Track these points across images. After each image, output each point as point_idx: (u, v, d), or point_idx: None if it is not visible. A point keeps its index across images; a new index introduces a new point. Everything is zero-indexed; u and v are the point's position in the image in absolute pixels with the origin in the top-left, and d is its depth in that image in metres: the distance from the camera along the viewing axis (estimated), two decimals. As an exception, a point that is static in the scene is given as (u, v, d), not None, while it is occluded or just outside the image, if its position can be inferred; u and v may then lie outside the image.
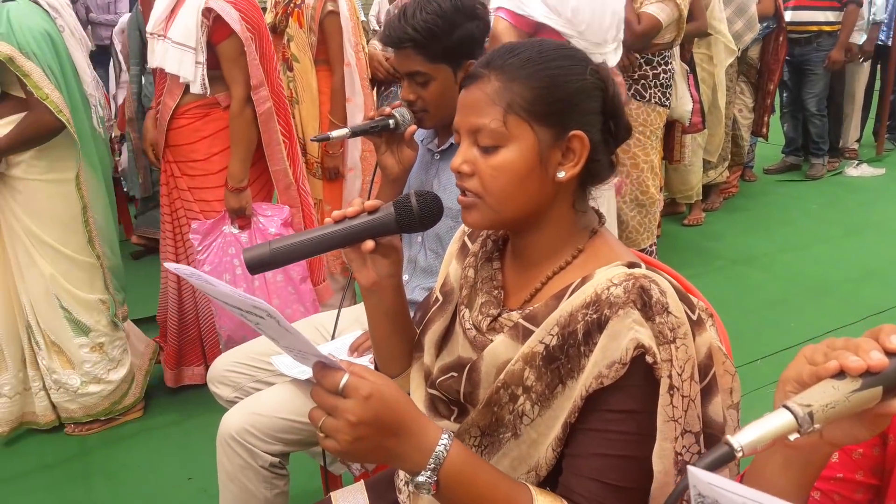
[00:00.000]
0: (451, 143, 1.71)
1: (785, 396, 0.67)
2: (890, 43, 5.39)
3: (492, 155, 0.94)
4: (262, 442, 1.59)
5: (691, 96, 3.70)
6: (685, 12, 3.20)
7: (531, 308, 0.96)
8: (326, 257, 2.83)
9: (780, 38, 4.82)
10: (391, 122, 1.60)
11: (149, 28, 2.48)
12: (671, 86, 3.33)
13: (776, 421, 0.62)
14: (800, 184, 5.23)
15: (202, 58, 2.33)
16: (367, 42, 3.07)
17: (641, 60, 3.12)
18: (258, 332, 2.55)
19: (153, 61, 2.46)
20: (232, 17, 2.29)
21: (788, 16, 4.90)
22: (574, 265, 0.98)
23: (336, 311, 1.91)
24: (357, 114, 2.70)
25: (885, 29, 5.40)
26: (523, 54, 0.95)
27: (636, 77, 3.21)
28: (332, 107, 2.70)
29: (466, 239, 1.15)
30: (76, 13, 6.95)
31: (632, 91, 3.23)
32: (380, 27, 10.29)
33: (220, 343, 2.57)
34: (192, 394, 2.74)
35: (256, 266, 1.01)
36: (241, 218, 2.47)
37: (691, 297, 0.92)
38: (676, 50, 3.49)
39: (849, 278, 3.64)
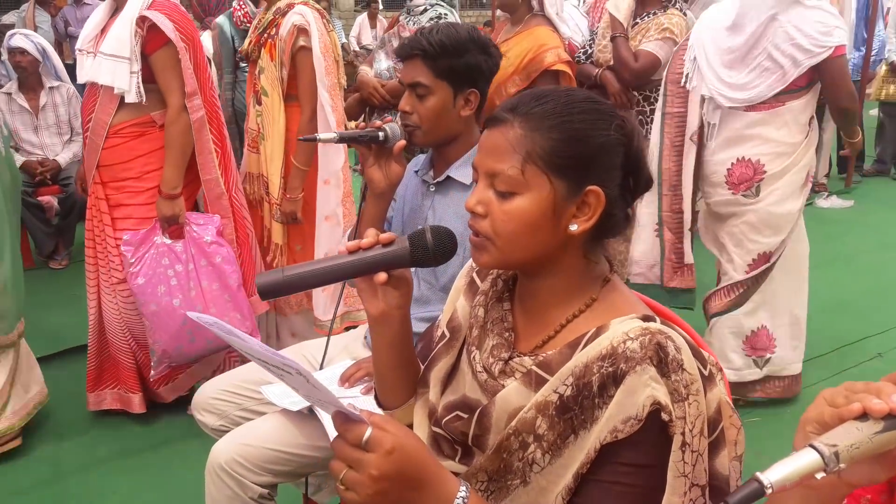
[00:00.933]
0: (448, 177, 1.73)
1: (806, 437, 0.70)
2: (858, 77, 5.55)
3: (507, 200, 0.95)
4: (251, 473, 1.57)
5: None
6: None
7: (544, 355, 0.97)
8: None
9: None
10: (381, 134, 1.61)
11: (78, 45, 2.47)
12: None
13: (804, 459, 0.65)
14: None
15: (136, 67, 2.34)
16: (354, 65, 3.07)
17: (640, 97, 3.11)
18: (193, 350, 2.52)
19: (82, 76, 2.44)
20: (167, 27, 2.32)
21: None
22: (587, 314, 0.99)
23: (325, 339, 1.93)
24: (333, 156, 2.57)
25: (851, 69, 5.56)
26: (549, 104, 0.95)
27: (635, 113, 3.18)
28: (298, 147, 2.56)
29: (475, 276, 1.15)
30: (55, 27, 6.87)
31: None
32: (360, 49, 10.39)
33: (151, 359, 2.52)
34: (167, 419, 2.71)
35: (268, 292, 1.02)
36: (174, 227, 2.46)
37: (703, 352, 0.93)
38: None
39: (821, 309, 3.70)
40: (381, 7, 11.73)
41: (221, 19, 3.98)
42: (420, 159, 1.83)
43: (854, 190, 5.80)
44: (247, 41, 2.65)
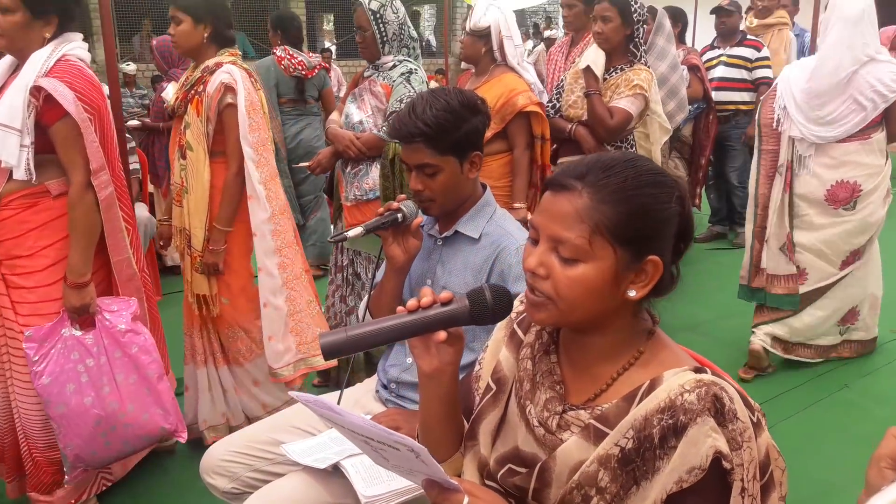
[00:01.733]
0: (457, 232, 1.78)
1: (880, 473, 0.75)
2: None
3: (570, 266, 0.99)
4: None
5: None
6: (650, 102, 3.44)
7: (601, 409, 1.01)
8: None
9: (710, 117, 5.21)
10: (399, 215, 1.68)
11: None
12: None
13: None
14: (728, 252, 5.53)
15: (28, 140, 2.10)
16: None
17: (611, 148, 3.25)
18: (109, 453, 2.30)
19: None
20: (66, 98, 2.08)
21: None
22: (637, 366, 1.04)
23: (332, 393, 1.93)
24: (258, 209, 2.56)
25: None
26: (618, 176, 0.99)
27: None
28: (223, 201, 2.57)
29: (516, 327, 1.18)
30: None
31: None
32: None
33: (64, 464, 2.28)
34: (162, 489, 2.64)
35: (332, 352, 1.05)
36: (84, 317, 2.21)
37: (750, 399, 0.99)
38: None
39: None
40: (333, 56, 11.88)
41: (268, 61, 4.66)
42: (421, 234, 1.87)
43: None
44: (173, 97, 2.66)
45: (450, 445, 1.19)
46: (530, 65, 3.90)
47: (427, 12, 16.81)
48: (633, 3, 3.14)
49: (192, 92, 2.57)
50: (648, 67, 3.26)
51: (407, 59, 2.91)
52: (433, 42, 16.23)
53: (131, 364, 2.27)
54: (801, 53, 5.86)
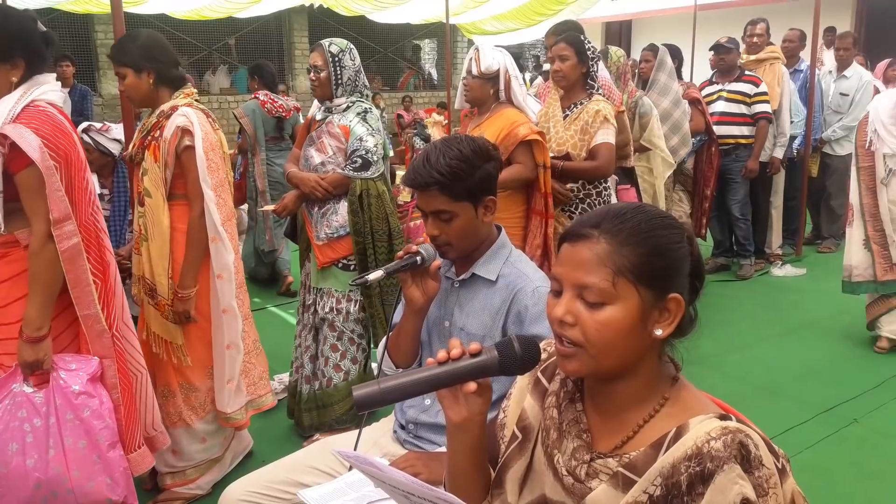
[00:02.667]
0: (474, 274, 1.80)
1: None
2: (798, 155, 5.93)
3: (598, 310, 1.02)
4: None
5: None
6: (653, 137, 3.51)
7: (629, 457, 1.03)
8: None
9: (713, 149, 5.28)
10: (418, 258, 1.70)
11: None
12: (611, 199, 3.56)
13: None
14: (732, 283, 5.56)
15: None
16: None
17: (577, 185, 3.38)
18: None
19: None
20: (31, 145, 1.98)
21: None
22: (662, 413, 1.06)
23: (349, 434, 1.94)
24: (223, 251, 2.53)
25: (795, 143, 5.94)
26: (632, 220, 1.04)
27: (582, 196, 3.41)
28: (188, 244, 2.51)
29: (540, 375, 1.20)
30: None
31: (579, 210, 3.42)
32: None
33: None
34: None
35: (365, 404, 1.06)
36: (38, 373, 2.09)
37: (774, 446, 1.01)
38: None
39: (794, 377, 3.87)
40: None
41: (252, 104, 5.33)
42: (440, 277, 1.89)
43: (805, 258, 6.10)
44: (131, 145, 2.64)
45: (477, 494, 1.20)
46: (531, 97, 3.99)
47: (427, 46, 17.00)
48: (585, 42, 3.34)
49: (149, 138, 2.52)
50: (605, 98, 3.42)
51: (360, 99, 3.01)
52: (434, 75, 16.39)
53: (82, 428, 2.10)
54: (802, 89, 5.93)
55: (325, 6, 9.87)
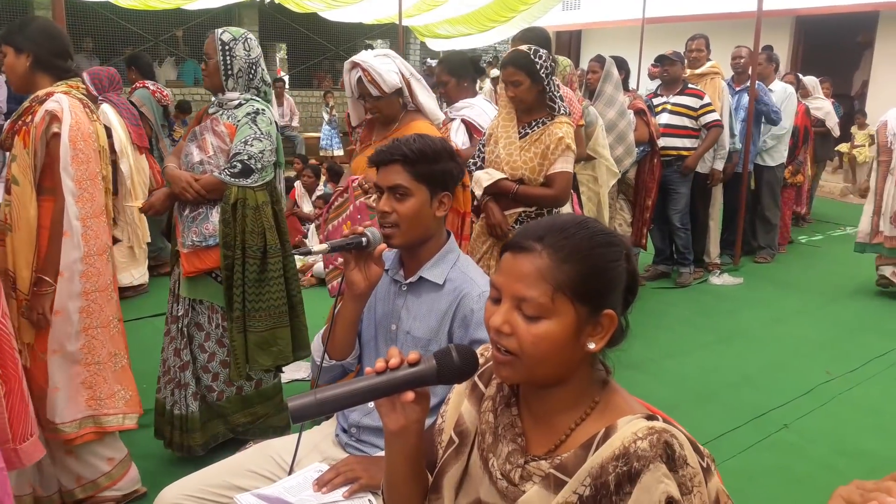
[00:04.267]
0: (421, 277, 1.80)
1: None
2: (740, 170, 6.11)
3: (534, 323, 1.04)
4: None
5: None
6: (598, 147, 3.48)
7: (560, 458, 1.05)
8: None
9: (655, 160, 5.39)
10: (364, 239, 1.70)
11: None
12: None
13: None
14: (671, 291, 5.70)
15: None
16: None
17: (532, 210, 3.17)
18: None
19: None
20: None
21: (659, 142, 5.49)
22: (593, 416, 1.09)
23: (291, 438, 1.92)
24: (70, 248, 2.37)
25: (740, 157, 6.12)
26: (575, 237, 1.06)
27: (534, 216, 3.16)
28: (50, 238, 2.35)
29: (477, 380, 1.22)
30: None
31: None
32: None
33: None
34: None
35: (301, 416, 1.05)
36: None
37: (699, 445, 1.04)
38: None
39: (728, 383, 3.99)
40: (286, 86, 11.87)
41: (145, 93, 5.51)
42: (388, 257, 1.89)
43: (742, 268, 6.30)
44: (3, 129, 2.54)
45: (415, 500, 1.20)
46: (483, 99, 3.92)
47: (380, 46, 16.96)
48: (536, 60, 3.05)
49: (20, 122, 2.41)
50: (569, 116, 3.17)
51: (254, 98, 2.76)
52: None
53: None
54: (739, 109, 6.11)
55: (277, 2, 9.75)
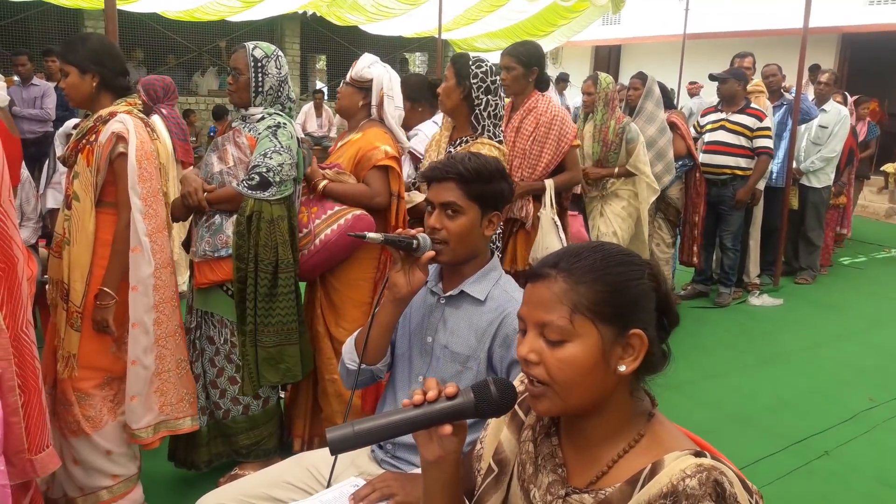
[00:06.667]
0: (462, 292, 1.81)
1: None
2: (782, 185, 6.01)
3: (559, 348, 1.04)
4: None
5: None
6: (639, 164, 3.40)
7: (605, 493, 1.03)
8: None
9: (698, 175, 5.34)
10: (414, 242, 1.72)
11: None
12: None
13: None
14: (709, 311, 5.61)
15: None
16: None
17: None
18: None
19: None
20: None
21: (705, 158, 5.42)
22: (637, 449, 1.07)
23: (326, 450, 1.93)
24: (142, 262, 2.44)
25: (773, 172, 6.02)
26: (588, 259, 1.07)
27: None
28: (113, 252, 2.43)
29: (517, 408, 1.21)
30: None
31: None
32: (305, 135, 10.54)
33: None
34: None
35: (339, 447, 1.06)
36: None
37: (748, 482, 1.02)
38: (548, 199, 3.42)
39: (766, 407, 3.91)
40: (325, 97, 12.01)
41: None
42: (428, 270, 1.90)
43: (782, 289, 6.19)
44: (66, 147, 2.58)
45: None
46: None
47: (418, 59, 17.09)
48: (471, 68, 2.91)
49: (84, 141, 2.47)
50: (494, 141, 2.96)
51: (277, 112, 2.74)
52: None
53: None
54: (785, 121, 6.02)
55: (319, 14, 9.88)
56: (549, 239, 3.39)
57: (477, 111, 2.93)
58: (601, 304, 1.03)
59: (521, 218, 3.38)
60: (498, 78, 2.99)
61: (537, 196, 3.44)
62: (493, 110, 2.96)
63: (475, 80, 2.90)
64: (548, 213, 3.41)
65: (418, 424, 1.08)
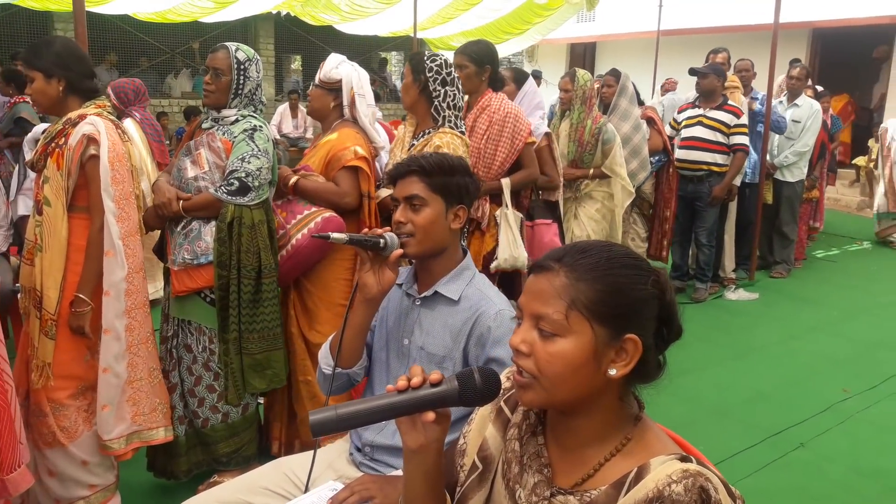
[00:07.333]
0: (436, 293, 1.81)
1: None
2: (756, 181, 6.07)
3: (550, 342, 1.03)
4: None
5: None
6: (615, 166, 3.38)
7: (590, 495, 1.03)
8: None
9: (671, 170, 5.37)
10: (381, 241, 1.72)
11: None
12: None
13: None
14: (685, 306, 5.65)
15: None
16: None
17: None
18: None
19: None
20: None
21: (682, 154, 5.44)
22: (624, 452, 1.07)
23: (306, 455, 1.92)
24: (115, 266, 2.40)
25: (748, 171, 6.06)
26: (593, 257, 1.06)
27: None
28: (87, 257, 2.39)
29: (503, 404, 1.21)
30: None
31: None
32: (280, 136, 10.47)
33: None
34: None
35: (321, 430, 1.05)
36: None
37: (732, 488, 1.02)
38: (507, 198, 3.40)
39: (743, 400, 3.95)
40: (301, 97, 11.94)
41: (28, 107, 5.20)
42: (403, 272, 1.90)
43: (757, 283, 6.25)
44: (34, 151, 2.53)
45: None
46: (381, 127, 3.79)
47: (395, 58, 17.06)
48: (426, 63, 2.96)
49: (53, 145, 2.42)
50: (456, 131, 2.98)
51: (252, 114, 2.70)
52: (399, 88, 16.44)
53: None
54: (756, 116, 6.08)
55: (293, 14, 9.82)
56: (512, 235, 3.39)
57: (436, 102, 2.95)
58: (599, 304, 1.03)
59: (477, 218, 3.40)
60: (453, 70, 3.02)
61: (494, 196, 3.43)
62: (453, 101, 2.98)
63: (430, 74, 2.94)
64: (510, 212, 3.40)
65: (401, 410, 1.08)
